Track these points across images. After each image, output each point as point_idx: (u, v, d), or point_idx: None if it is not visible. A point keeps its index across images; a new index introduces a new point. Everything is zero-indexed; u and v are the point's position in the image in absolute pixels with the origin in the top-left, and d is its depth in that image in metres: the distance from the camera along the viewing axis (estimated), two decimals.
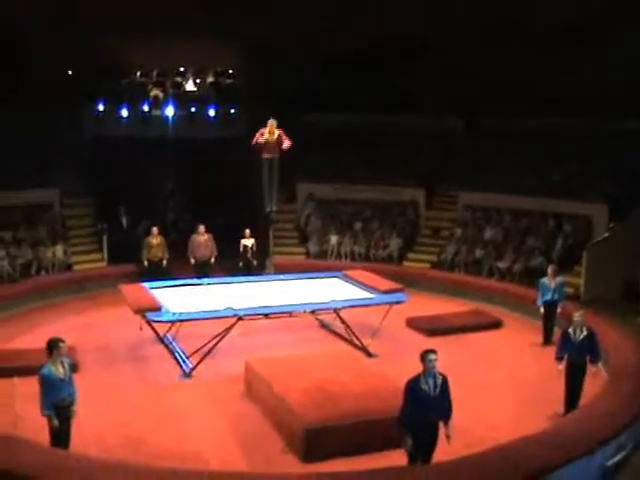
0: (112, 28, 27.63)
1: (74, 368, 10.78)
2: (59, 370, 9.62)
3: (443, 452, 9.43)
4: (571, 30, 25.59)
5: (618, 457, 10.41)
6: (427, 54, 29.68)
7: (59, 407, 9.64)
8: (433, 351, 9.14)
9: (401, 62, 30.19)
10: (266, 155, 18.19)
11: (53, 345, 9.66)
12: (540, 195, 23.33)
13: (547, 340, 16.38)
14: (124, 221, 24.44)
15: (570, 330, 12.25)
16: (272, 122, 18.28)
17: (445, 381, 9.19)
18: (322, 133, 28.73)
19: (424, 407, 9.01)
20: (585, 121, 24.61)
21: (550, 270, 16.73)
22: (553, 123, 25.47)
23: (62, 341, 9.75)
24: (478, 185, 24.94)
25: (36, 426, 10.36)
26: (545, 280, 16.57)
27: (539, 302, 16.54)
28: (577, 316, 12.25)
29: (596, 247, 20.61)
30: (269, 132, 18.19)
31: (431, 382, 9.06)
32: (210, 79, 32.42)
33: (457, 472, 9.19)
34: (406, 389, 9.15)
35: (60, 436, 9.77)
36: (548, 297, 16.42)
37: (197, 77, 32.45)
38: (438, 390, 9.06)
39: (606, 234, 20.96)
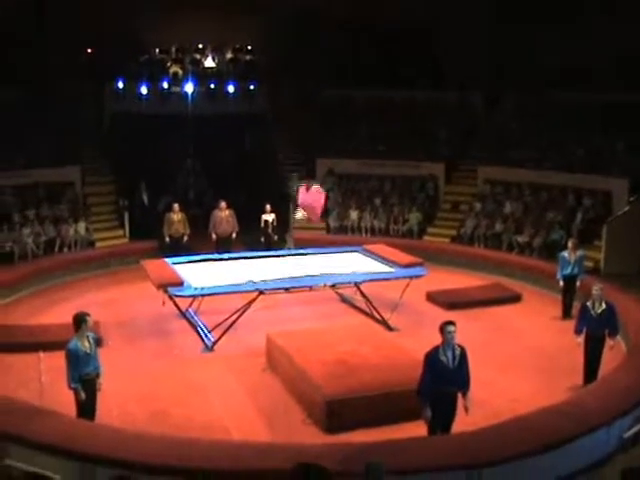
0: (131, 5, 27.71)
1: (98, 342, 10.99)
2: (85, 344, 9.83)
3: (463, 423, 9.57)
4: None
5: (635, 429, 10.48)
6: (449, 27, 29.57)
7: (85, 380, 9.85)
8: (452, 323, 9.23)
9: (423, 38, 30.11)
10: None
11: (80, 320, 9.86)
12: (560, 169, 23.26)
13: (566, 314, 16.40)
14: (145, 198, 24.61)
15: (589, 304, 12.30)
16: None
17: (464, 353, 9.29)
18: (342, 108, 28.73)
19: (443, 379, 9.13)
20: (604, 95, 24.44)
21: (570, 244, 16.71)
22: (575, 97, 25.30)
23: (88, 315, 9.95)
24: (498, 159, 24.90)
25: (62, 398, 10.59)
26: (565, 254, 16.57)
27: (559, 276, 16.54)
28: (596, 290, 12.30)
29: (616, 221, 20.54)
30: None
31: (450, 354, 9.17)
32: (229, 55, 32.46)
33: (477, 443, 9.30)
34: (425, 360, 9.26)
35: (86, 408, 9.99)
36: (568, 271, 16.42)
37: (216, 53, 32.49)
38: (457, 362, 9.17)
39: (626, 208, 20.86)
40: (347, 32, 29.79)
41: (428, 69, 30.01)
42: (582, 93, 25.05)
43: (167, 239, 20.15)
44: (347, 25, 29.30)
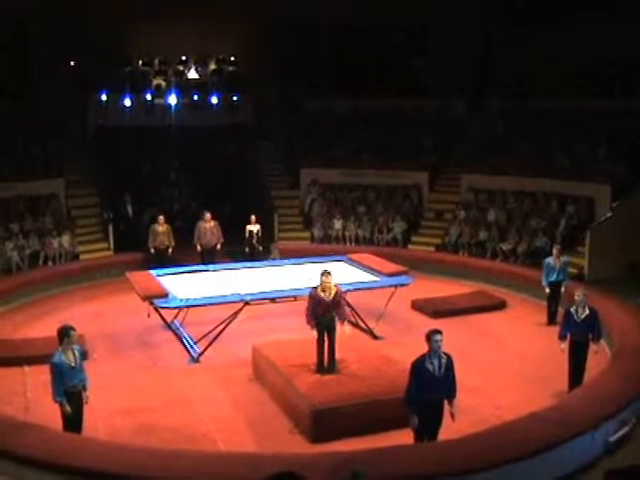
0: (114, 18, 27.73)
1: (84, 355, 10.95)
2: (70, 358, 9.76)
3: (449, 430, 9.59)
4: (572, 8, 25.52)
5: (621, 433, 10.55)
6: (432, 37, 29.74)
7: (70, 394, 9.80)
8: (439, 331, 9.25)
9: (406, 46, 30.24)
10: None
11: (64, 333, 9.80)
12: (543, 176, 23.39)
13: (551, 320, 16.44)
14: (129, 210, 24.57)
15: (572, 309, 12.35)
16: (326, 278, 12.15)
17: (450, 361, 9.31)
18: (326, 118, 28.79)
19: (429, 386, 9.15)
20: (588, 101, 24.62)
21: (555, 251, 16.75)
22: (558, 104, 25.47)
23: (73, 329, 9.87)
24: (482, 167, 25.00)
25: (47, 412, 10.57)
26: (550, 260, 16.61)
27: (544, 283, 16.59)
28: (578, 295, 12.36)
29: (600, 227, 20.66)
30: (322, 289, 12.15)
31: (436, 362, 9.19)
32: (212, 66, 32.47)
33: (463, 449, 9.34)
34: (412, 369, 9.28)
35: (72, 422, 9.94)
36: (553, 277, 16.47)
37: (199, 65, 32.48)
38: (443, 370, 9.19)
39: (609, 214, 20.99)
40: (330, 41, 29.91)
41: (411, 76, 30.19)
42: (565, 100, 25.23)
43: (152, 251, 20.13)
44: (330, 34, 29.42)
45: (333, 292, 12.11)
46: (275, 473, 4.73)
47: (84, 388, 10.03)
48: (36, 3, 26.61)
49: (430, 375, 9.17)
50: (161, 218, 20.30)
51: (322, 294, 12.05)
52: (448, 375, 9.30)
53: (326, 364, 11.96)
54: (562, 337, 12.44)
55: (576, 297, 12.36)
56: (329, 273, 12.27)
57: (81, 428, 10.10)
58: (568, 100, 25.14)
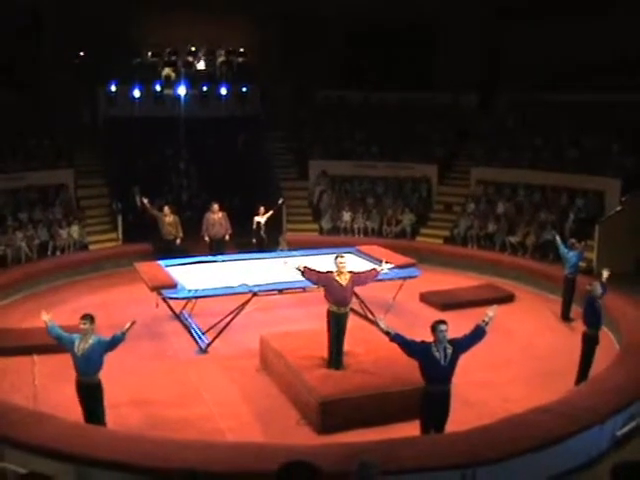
0: (123, 9, 27.76)
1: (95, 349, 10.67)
2: (80, 345, 9.74)
3: (456, 423, 9.59)
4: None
5: (629, 426, 10.55)
6: (442, 30, 29.67)
7: (82, 385, 9.82)
8: (444, 322, 9.26)
9: (417, 38, 30.18)
10: (335, 308, 11.83)
11: (82, 318, 9.86)
12: (553, 170, 23.31)
13: (567, 314, 16.29)
14: (138, 200, 24.57)
15: (599, 301, 12.33)
16: (342, 258, 12.02)
17: (455, 351, 9.30)
18: (335, 109, 28.77)
19: (435, 375, 9.17)
20: (598, 95, 24.51)
21: (578, 245, 16.65)
22: (568, 97, 25.39)
23: (84, 320, 9.85)
24: (492, 160, 24.94)
25: (56, 401, 10.63)
26: (574, 253, 16.39)
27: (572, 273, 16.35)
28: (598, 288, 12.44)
29: (609, 221, 20.61)
30: (339, 273, 11.86)
31: (442, 352, 9.19)
32: (222, 58, 32.45)
33: (470, 442, 9.34)
34: (418, 342, 9.36)
35: (89, 413, 10.01)
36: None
37: (208, 56, 32.46)
38: (448, 359, 9.18)
39: (619, 208, 20.92)
40: (340, 33, 29.86)
41: (422, 70, 30.14)
42: (575, 93, 25.12)
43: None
44: (340, 26, 29.37)
45: (348, 277, 11.87)
46: (289, 462, 4.72)
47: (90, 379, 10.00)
48: None
49: (437, 363, 9.15)
50: (166, 209, 20.23)
51: (338, 278, 11.78)
52: (453, 365, 9.29)
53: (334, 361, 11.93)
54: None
55: (598, 291, 12.37)
56: (343, 255, 12.16)
57: (103, 421, 10.13)
58: (578, 94, 25.03)
